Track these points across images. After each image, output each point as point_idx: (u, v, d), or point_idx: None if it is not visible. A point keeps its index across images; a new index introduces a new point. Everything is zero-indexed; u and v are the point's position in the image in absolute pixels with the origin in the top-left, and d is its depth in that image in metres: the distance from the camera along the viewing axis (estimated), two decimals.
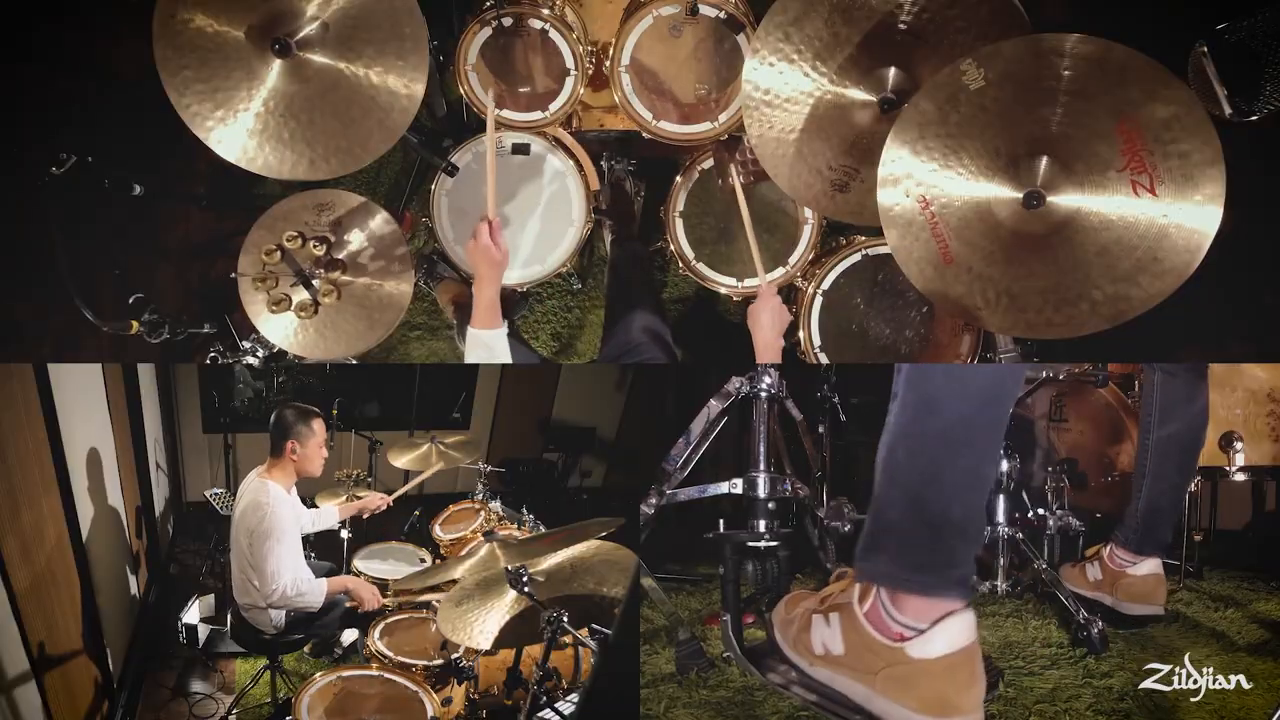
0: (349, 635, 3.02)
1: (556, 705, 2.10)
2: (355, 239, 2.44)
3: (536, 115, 2.69)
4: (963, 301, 1.96)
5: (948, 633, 1.42)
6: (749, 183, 2.51)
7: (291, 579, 2.62)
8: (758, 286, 2.40)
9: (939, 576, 1.44)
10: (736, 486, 2.30)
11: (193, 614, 3.27)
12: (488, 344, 2.24)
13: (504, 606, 2.08)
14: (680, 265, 2.73)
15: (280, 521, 2.63)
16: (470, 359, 2.26)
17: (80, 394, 2.86)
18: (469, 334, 2.26)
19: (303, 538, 2.95)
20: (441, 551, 3.29)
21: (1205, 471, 2.98)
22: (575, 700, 2.14)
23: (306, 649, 3.02)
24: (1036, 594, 2.65)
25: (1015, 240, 1.92)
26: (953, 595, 1.44)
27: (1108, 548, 2.45)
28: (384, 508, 3.29)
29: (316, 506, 3.30)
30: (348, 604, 2.76)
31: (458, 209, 2.72)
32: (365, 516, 3.25)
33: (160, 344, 2.51)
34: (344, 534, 3.17)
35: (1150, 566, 2.38)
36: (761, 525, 2.25)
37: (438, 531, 3.40)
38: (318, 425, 2.78)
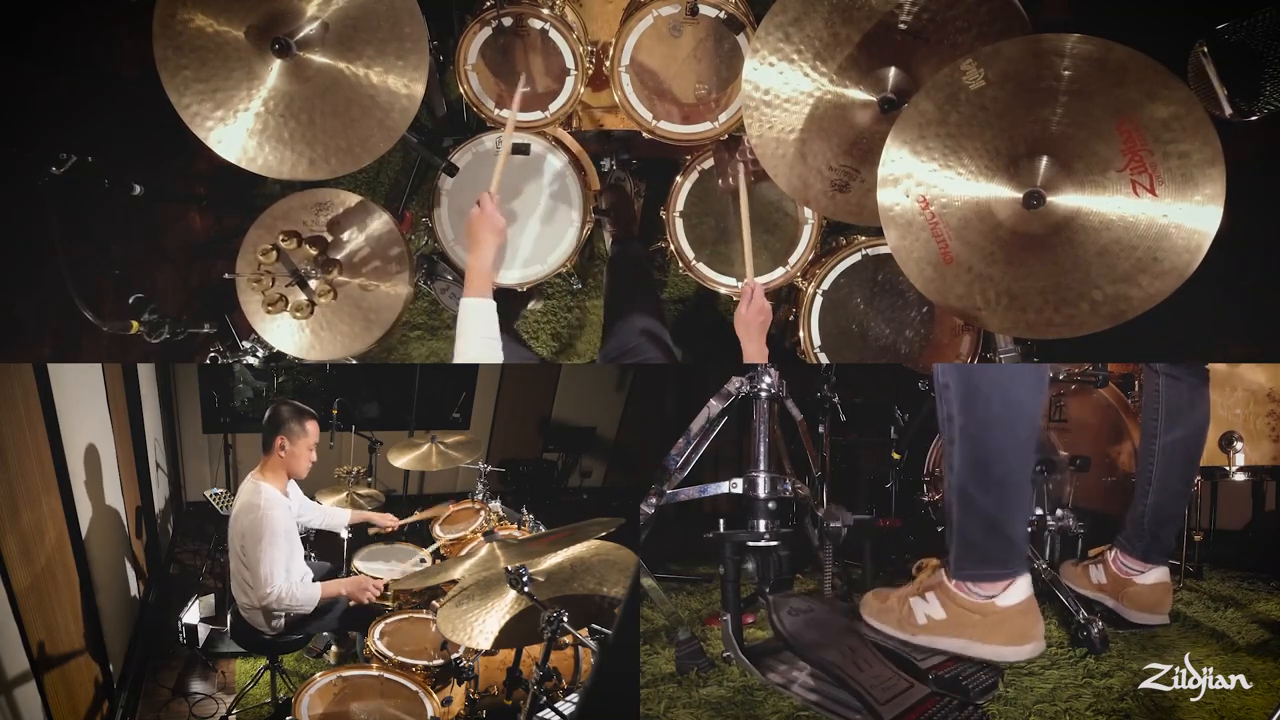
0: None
1: (556, 705, 2.10)
2: (352, 239, 2.44)
3: (536, 115, 2.69)
4: (963, 301, 1.96)
5: (1020, 586, 2.05)
6: (750, 183, 2.51)
7: (285, 583, 2.60)
8: (744, 287, 2.40)
9: (1013, 568, 2.05)
10: (736, 486, 2.30)
11: (193, 614, 3.27)
12: (485, 314, 2.26)
13: (504, 606, 2.08)
14: (680, 265, 2.73)
15: (272, 524, 2.61)
16: (461, 338, 2.26)
17: (80, 394, 2.86)
18: (463, 305, 2.28)
19: (303, 537, 2.95)
20: (441, 551, 3.29)
21: (1205, 471, 2.98)
22: (575, 700, 2.14)
23: (310, 644, 3.01)
24: (1036, 594, 2.64)
25: (1015, 240, 1.92)
26: (1018, 570, 2.05)
27: (1113, 553, 2.44)
28: (390, 530, 3.29)
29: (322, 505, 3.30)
30: (350, 604, 2.76)
31: (458, 209, 2.72)
32: (372, 530, 3.26)
33: (160, 344, 2.51)
34: (344, 534, 3.17)
35: (1157, 576, 2.37)
36: (761, 525, 2.25)
37: (438, 531, 3.40)
38: (310, 426, 2.76)
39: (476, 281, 2.30)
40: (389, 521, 3.28)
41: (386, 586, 2.83)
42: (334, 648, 3.03)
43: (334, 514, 3.18)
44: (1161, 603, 2.37)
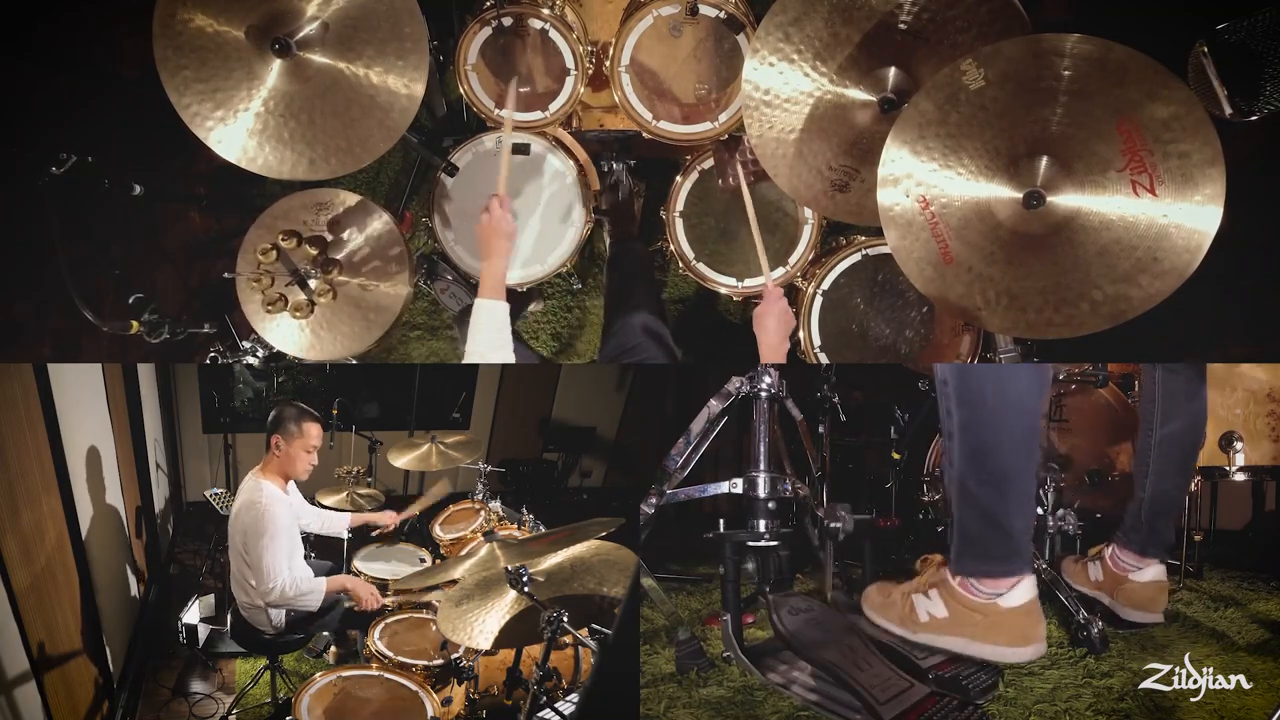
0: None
1: (556, 705, 2.10)
2: (352, 239, 2.44)
3: (536, 115, 2.69)
4: (963, 301, 1.96)
5: (1023, 588, 2.01)
6: (751, 183, 2.51)
7: (289, 578, 2.62)
8: (762, 286, 2.39)
9: (1015, 566, 2.02)
10: (736, 486, 2.30)
11: (193, 614, 3.27)
12: (498, 316, 2.25)
13: (504, 606, 2.08)
14: (680, 265, 2.73)
15: (274, 520, 2.62)
16: (476, 338, 2.24)
17: (80, 394, 2.86)
18: (477, 306, 2.26)
19: (304, 538, 2.95)
20: (441, 551, 3.30)
21: (1205, 471, 2.98)
22: (575, 700, 2.14)
23: (311, 645, 3.01)
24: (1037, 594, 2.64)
25: (1015, 240, 1.92)
26: (1022, 570, 2.02)
27: (1110, 549, 2.44)
28: (390, 529, 3.30)
29: (321, 505, 3.30)
30: (348, 604, 2.76)
31: (458, 209, 2.72)
32: (375, 533, 3.26)
33: (160, 344, 2.51)
34: (344, 533, 3.17)
35: (1154, 573, 2.37)
36: (761, 525, 2.25)
37: (438, 531, 3.41)
38: (309, 429, 2.76)
39: (489, 285, 2.28)
40: (388, 520, 3.28)
41: (387, 586, 2.84)
42: (334, 648, 3.03)
43: (333, 520, 3.17)
44: (1156, 601, 2.36)
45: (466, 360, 2.26)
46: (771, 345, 2.31)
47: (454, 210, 2.72)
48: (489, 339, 2.23)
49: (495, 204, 2.31)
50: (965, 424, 2.00)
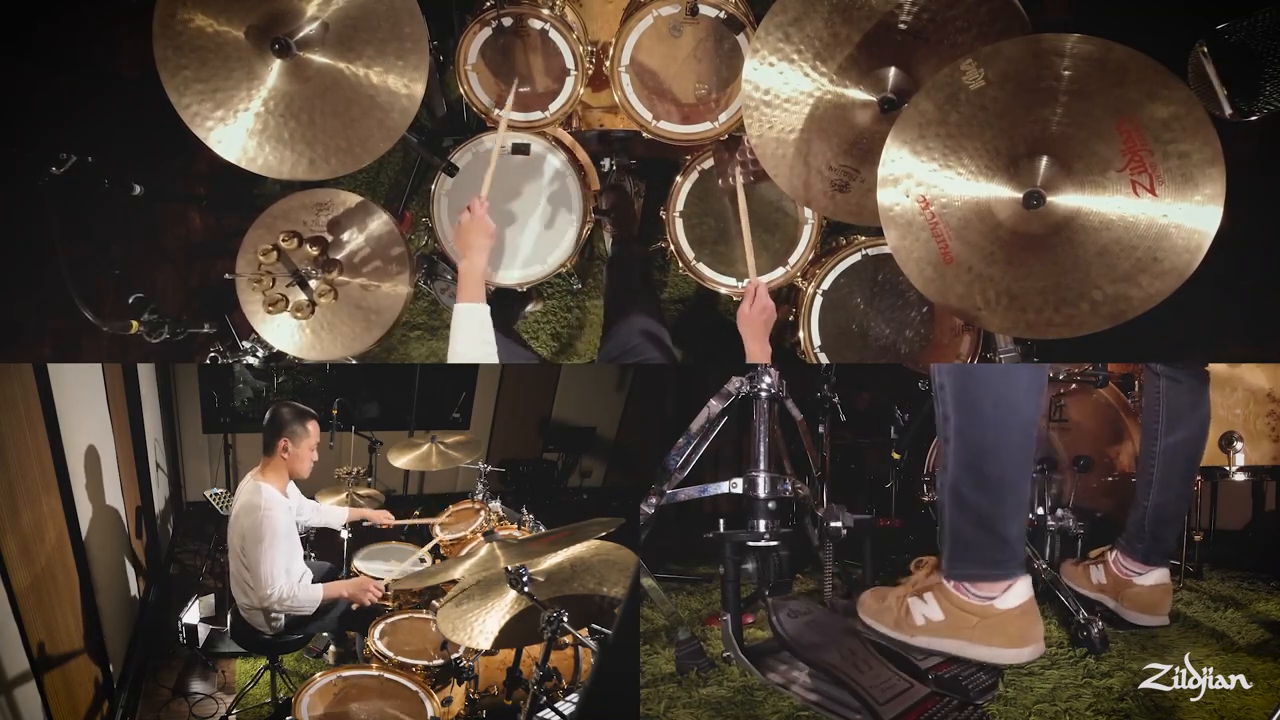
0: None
1: (556, 705, 2.10)
2: (353, 239, 2.44)
3: (536, 115, 2.69)
4: (963, 301, 1.96)
5: (1020, 589, 2.00)
6: (749, 183, 2.51)
7: (286, 583, 2.60)
8: (746, 287, 2.40)
9: (1008, 569, 2.00)
10: (736, 486, 2.30)
11: (193, 614, 3.26)
12: (478, 319, 2.26)
13: (504, 606, 2.08)
14: (680, 265, 2.73)
15: (273, 524, 2.61)
16: (457, 341, 2.25)
17: (80, 394, 2.86)
18: (457, 310, 2.28)
19: (303, 537, 2.95)
20: (441, 551, 3.29)
21: (1205, 471, 2.98)
22: (575, 700, 2.14)
23: (311, 645, 3.01)
24: (1036, 594, 2.64)
25: (1015, 240, 1.92)
26: (1017, 573, 2.00)
27: (1113, 554, 2.44)
28: (389, 527, 3.29)
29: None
30: (351, 606, 2.76)
31: (458, 209, 2.71)
32: (365, 524, 3.26)
33: (160, 344, 2.51)
34: (344, 534, 3.17)
35: (1157, 577, 2.37)
36: (761, 525, 2.25)
37: (438, 531, 3.40)
38: (312, 427, 2.76)
39: (468, 287, 2.30)
40: (385, 521, 3.28)
41: (387, 586, 2.84)
42: (334, 648, 3.03)
43: (331, 512, 3.18)
44: (1161, 604, 2.37)
45: (451, 361, 2.27)
46: (760, 344, 2.32)
47: (454, 210, 2.72)
48: (470, 342, 2.24)
49: (476, 204, 2.33)
50: (961, 429, 1.98)
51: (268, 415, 2.77)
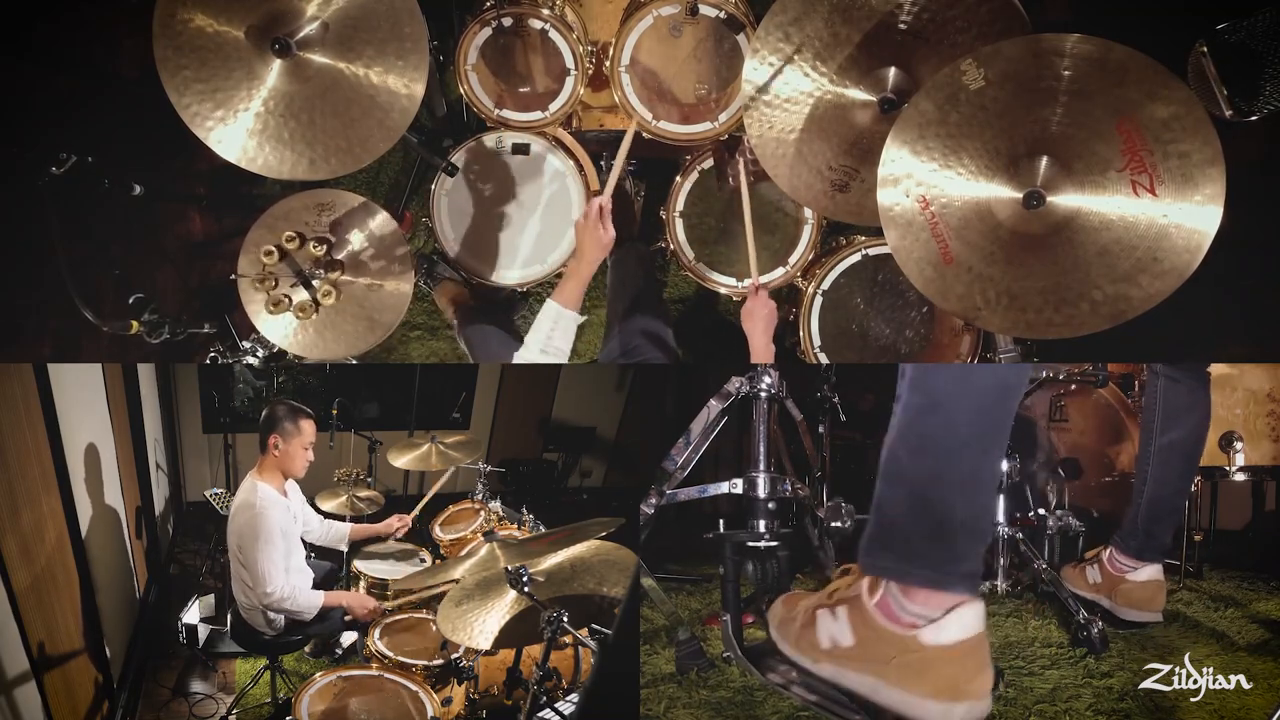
0: (348, 636, 3.02)
1: (556, 705, 2.10)
2: (355, 239, 2.44)
3: (536, 115, 2.69)
4: (963, 301, 1.96)
5: (961, 620, 1.43)
6: (750, 183, 2.51)
7: (285, 583, 2.60)
8: (749, 286, 2.39)
9: (944, 572, 1.45)
10: (736, 486, 2.30)
11: (193, 614, 3.27)
12: (564, 324, 2.25)
13: (504, 606, 2.08)
14: (680, 265, 2.73)
15: (268, 523, 2.61)
16: (534, 338, 2.23)
17: (80, 394, 2.86)
18: (548, 307, 2.25)
19: (305, 543, 2.95)
20: (441, 551, 3.29)
21: (1205, 471, 2.98)
22: (575, 700, 2.14)
23: (307, 649, 3.02)
24: (1036, 594, 2.65)
25: (1015, 240, 1.92)
26: (959, 590, 1.44)
27: (1108, 552, 2.45)
28: (400, 534, 3.28)
29: (317, 508, 3.30)
30: (347, 618, 2.76)
31: (458, 209, 2.72)
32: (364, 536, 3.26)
33: (160, 344, 2.51)
34: (343, 547, 3.16)
35: (1150, 573, 2.37)
36: (761, 525, 2.25)
37: (438, 531, 3.40)
38: (306, 425, 2.76)
39: (568, 289, 2.27)
40: (388, 529, 3.26)
41: (387, 586, 2.84)
42: (317, 657, 3.04)
43: (335, 530, 3.15)
44: (1154, 600, 2.37)
45: (516, 360, 2.25)
46: (763, 343, 2.32)
47: (454, 210, 2.72)
48: (540, 347, 2.22)
49: (593, 206, 2.27)
50: (909, 404, 1.52)
51: (263, 414, 2.78)
